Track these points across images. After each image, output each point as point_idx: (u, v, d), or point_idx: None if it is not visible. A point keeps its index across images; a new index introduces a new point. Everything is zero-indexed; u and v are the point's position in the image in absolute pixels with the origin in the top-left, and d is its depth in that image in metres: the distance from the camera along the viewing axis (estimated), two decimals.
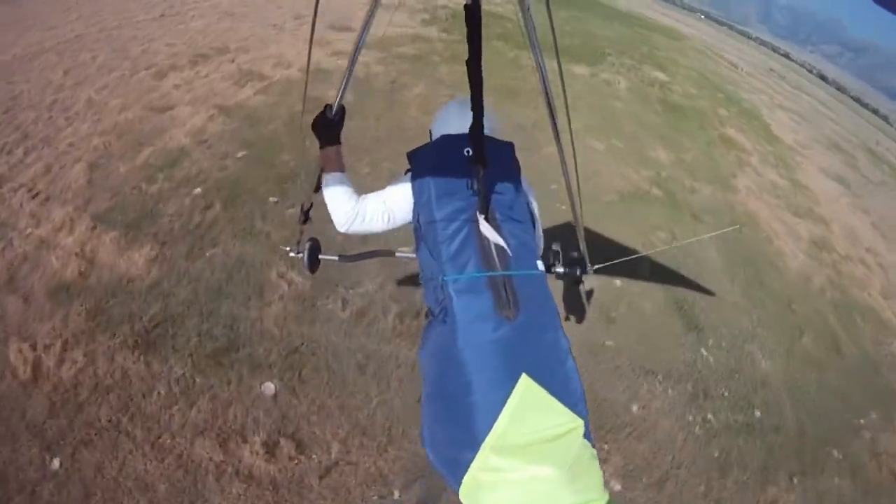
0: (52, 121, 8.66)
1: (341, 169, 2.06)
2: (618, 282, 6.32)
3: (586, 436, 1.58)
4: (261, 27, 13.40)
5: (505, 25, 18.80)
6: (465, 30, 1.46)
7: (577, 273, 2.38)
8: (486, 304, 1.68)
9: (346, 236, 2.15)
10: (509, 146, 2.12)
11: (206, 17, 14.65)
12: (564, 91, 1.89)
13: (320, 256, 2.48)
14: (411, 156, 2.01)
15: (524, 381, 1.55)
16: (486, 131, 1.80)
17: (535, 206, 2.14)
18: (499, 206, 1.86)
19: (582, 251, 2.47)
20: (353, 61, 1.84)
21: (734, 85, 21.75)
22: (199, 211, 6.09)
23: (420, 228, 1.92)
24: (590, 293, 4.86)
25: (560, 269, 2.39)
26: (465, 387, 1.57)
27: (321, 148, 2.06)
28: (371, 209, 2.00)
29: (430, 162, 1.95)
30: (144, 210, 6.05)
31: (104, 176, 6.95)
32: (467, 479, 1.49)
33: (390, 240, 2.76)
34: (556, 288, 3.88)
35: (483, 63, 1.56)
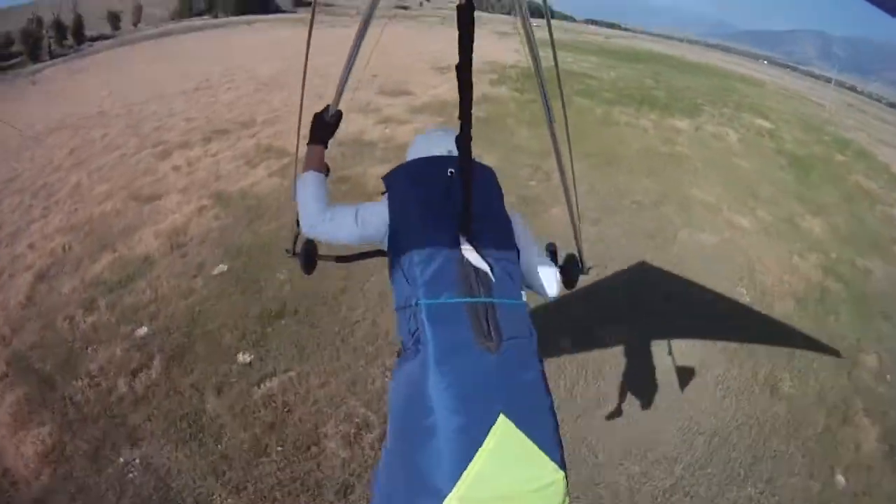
0: (30, 210, 7.58)
1: (320, 170, 1.93)
2: None
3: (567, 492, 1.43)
4: (299, 97, 12.09)
5: (586, 82, 17.26)
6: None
7: (574, 274, 2.14)
8: (465, 333, 1.48)
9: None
10: (490, 171, 1.94)
11: (240, 89, 13.70)
12: (561, 90, 1.72)
13: (317, 257, 2.28)
14: (387, 177, 1.86)
15: (502, 424, 1.36)
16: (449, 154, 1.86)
17: (522, 233, 1.88)
18: (482, 229, 1.68)
19: (579, 251, 2.27)
20: (349, 64, 1.75)
21: (833, 125, 20.40)
22: (128, 372, 4.16)
23: (394, 250, 1.73)
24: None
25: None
26: (430, 429, 1.36)
27: (308, 143, 1.97)
28: (341, 214, 1.82)
29: (410, 178, 1.82)
30: (66, 358, 4.40)
31: (46, 293, 5.34)
32: None
33: None
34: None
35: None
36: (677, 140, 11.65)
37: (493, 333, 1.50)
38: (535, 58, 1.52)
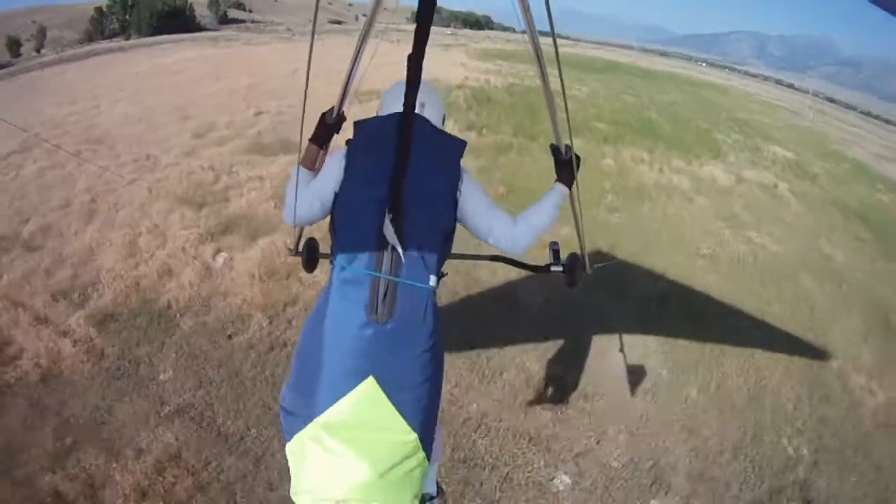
0: None
1: (310, 168, 2.01)
2: None
3: (426, 453, 1.60)
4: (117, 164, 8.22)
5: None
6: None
7: (577, 274, 2.18)
8: (361, 301, 1.60)
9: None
10: (456, 143, 1.87)
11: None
12: (564, 89, 1.80)
13: (318, 255, 2.40)
14: (357, 125, 1.86)
15: (368, 384, 1.54)
16: (422, 108, 1.87)
17: (470, 196, 1.82)
18: (413, 207, 1.63)
19: (581, 251, 2.33)
20: (353, 69, 1.76)
21: (836, 143, 19.34)
22: None
23: (335, 206, 1.81)
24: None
25: (559, 268, 2.23)
26: (319, 362, 1.58)
27: (309, 140, 2.01)
28: (303, 205, 1.88)
29: (364, 139, 1.82)
30: None
31: None
32: (295, 439, 1.57)
33: None
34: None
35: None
36: (735, 208, 8.31)
37: (385, 308, 1.58)
38: (541, 66, 1.56)
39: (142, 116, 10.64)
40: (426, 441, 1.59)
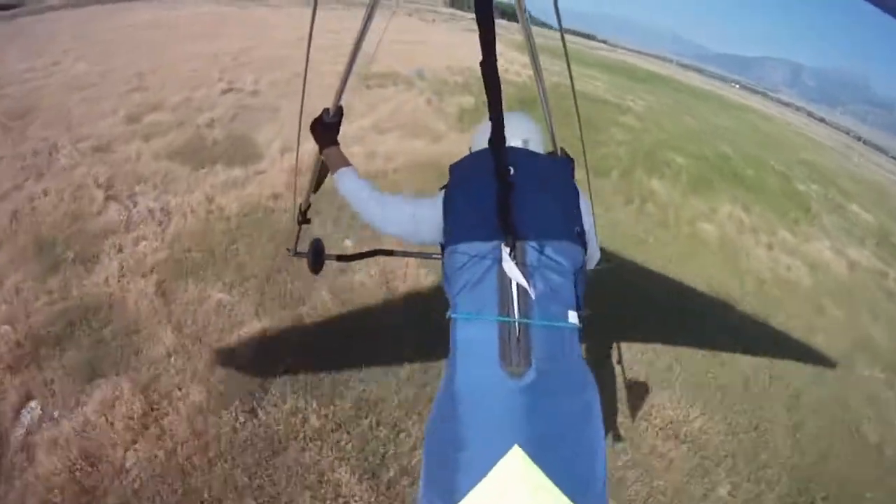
0: None
1: (347, 164, 1.87)
2: None
3: None
4: None
5: (624, 122, 12.97)
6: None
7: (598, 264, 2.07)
8: (492, 354, 1.39)
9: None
10: (564, 164, 1.80)
11: None
12: (576, 101, 1.72)
13: (325, 256, 2.38)
14: (452, 168, 1.74)
15: (515, 455, 1.27)
16: (526, 145, 1.79)
17: (591, 238, 1.69)
18: (530, 236, 1.48)
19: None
20: (351, 62, 1.72)
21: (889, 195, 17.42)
22: None
23: (445, 255, 1.64)
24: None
25: None
26: (458, 441, 1.35)
27: (321, 151, 1.94)
28: (394, 206, 1.73)
29: (462, 177, 1.69)
30: None
31: None
32: None
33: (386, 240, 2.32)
34: None
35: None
36: (865, 323, 6.07)
37: (521, 358, 1.38)
38: (538, 69, 1.55)
39: (94, 82, 8.80)
40: None
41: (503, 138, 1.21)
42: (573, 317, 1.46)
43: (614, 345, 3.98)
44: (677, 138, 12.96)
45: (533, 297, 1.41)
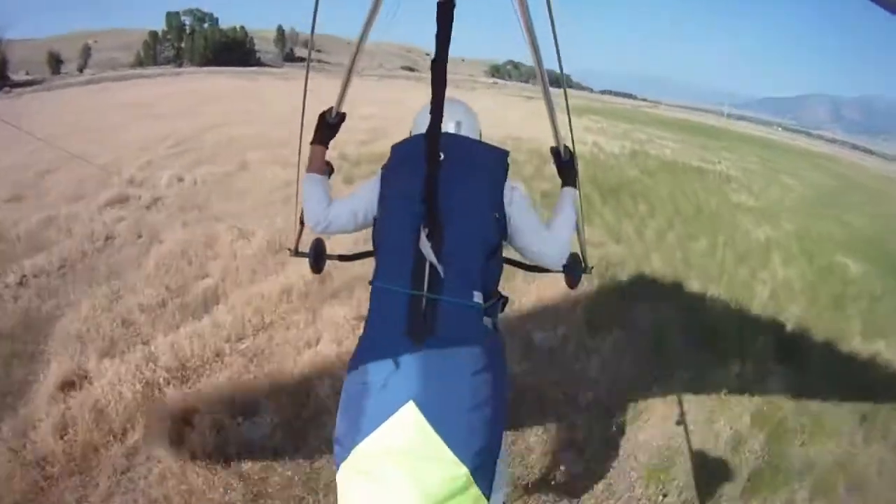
0: None
1: (321, 171, 2.05)
2: None
3: (483, 487, 1.47)
4: None
5: (730, 194, 12.16)
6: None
7: (577, 274, 2.19)
8: (400, 322, 1.56)
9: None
10: (497, 153, 1.86)
11: None
12: (566, 91, 1.89)
13: (325, 256, 2.41)
14: (394, 149, 1.91)
15: (409, 409, 1.45)
16: (458, 128, 1.94)
17: (518, 213, 1.78)
18: (451, 220, 1.62)
19: (582, 251, 2.38)
20: (351, 67, 1.81)
21: None
22: None
23: (374, 231, 1.81)
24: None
25: (559, 269, 2.15)
26: (363, 387, 1.53)
27: (311, 143, 2.06)
28: (338, 214, 1.93)
29: (398, 160, 1.86)
30: None
31: None
32: (341, 469, 1.50)
33: None
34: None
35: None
36: None
37: (426, 327, 1.54)
38: (539, 63, 1.57)
39: (51, 168, 8.57)
40: (482, 474, 1.47)
41: (439, 128, 1.36)
42: (478, 297, 1.63)
43: None
44: (817, 222, 11.33)
45: (443, 276, 1.56)
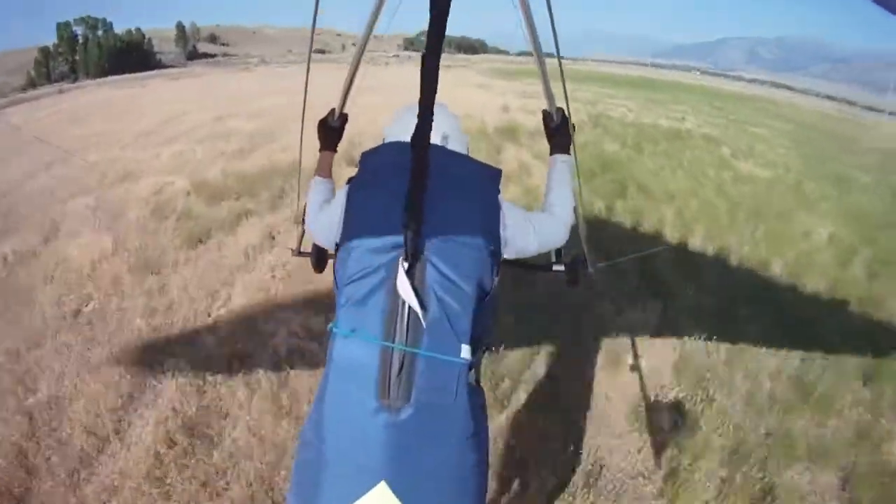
0: None
1: (327, 176, 1.92)
2: None
3: None
4: None
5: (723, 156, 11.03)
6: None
7: (579, 273, 2.08)
8: (369, 380, 1.28)
9: None
10: (491, 172, 1.57)
11: None
12: (564, 82, 1.70)
13: (327, 255, 2.27)
14: (364, 158, 1.60)
15: (380, 492, 1.23)
16: (445, 141, 1.63)
17: (512, 236, 1.49)
18: (436, 254, 1.33)
19: (583, 250, 2.27)
20: (354, 67, 1.79)
21: None
22: None
23: (337, 259, 1.46)
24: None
25: (561, 267, 2.11)
26: (321, 461, 1.30)
27: (320, 150, 1.99)
28: (318, 230, 1.69)
29: (372, 171, 1.55)
30: None
31: None
32: None
33: None
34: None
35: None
36: None
37: (401, 391, 1.28)
38: (540, 58, 1.52)
39: None
40: None
41: (427, 141, 1.13)
42: (466, 351, 1.32)
43: None
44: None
45: (424, 323, 1.29)
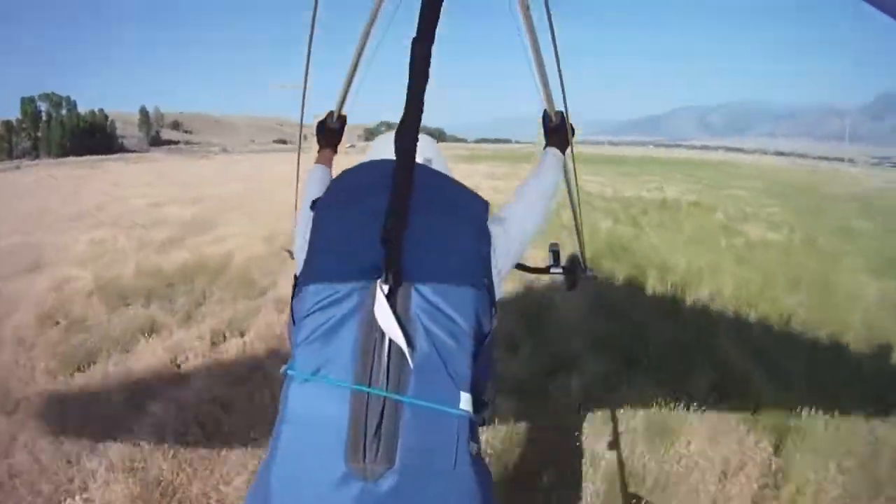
0: None
1: (327, 162, 1.82)
2: None
3: None
4: None
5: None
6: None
7: (577, 275, 2.00)
8: (336, 441, 0.95)
9: None
10: (480, 200, 1.30)
11: None
12: (561, 77, 1.56)
13: None
14: (338, 177, 1.38)
15: None
16: (429, 165, 1.42)
17: (504, 250, 1.25)
18: (425, 280, 1.04)
19: (580, 253, 2.17)
20: (353, 70, 1.75)
21: None
22: None
23: (296, 287, 1.16)
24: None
25: (558, 270, 2.02)
26: None
27: (319, 149, 1.90)
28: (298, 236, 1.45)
29: (343, 188, 1.32)
30: None
31: None
32: None
33: None
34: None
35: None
36: None
37: (380, 451, 0.95)
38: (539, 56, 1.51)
39: None
40: None
41: (414, 141, 0.91)
42: (466, 401, 1.00)
43: None
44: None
45: (411, 363, 0.98)
